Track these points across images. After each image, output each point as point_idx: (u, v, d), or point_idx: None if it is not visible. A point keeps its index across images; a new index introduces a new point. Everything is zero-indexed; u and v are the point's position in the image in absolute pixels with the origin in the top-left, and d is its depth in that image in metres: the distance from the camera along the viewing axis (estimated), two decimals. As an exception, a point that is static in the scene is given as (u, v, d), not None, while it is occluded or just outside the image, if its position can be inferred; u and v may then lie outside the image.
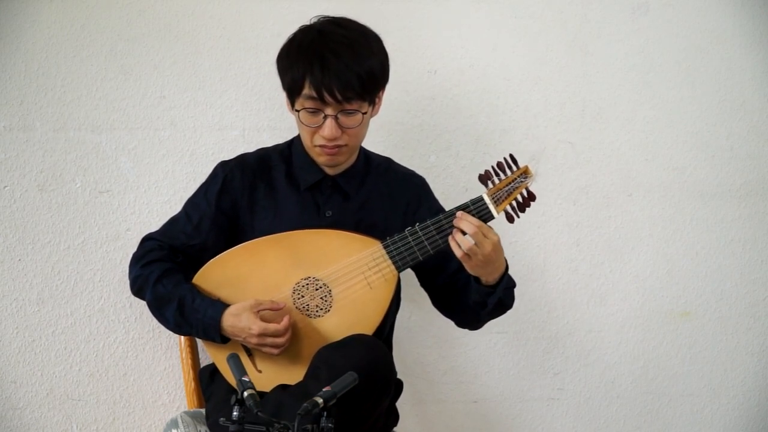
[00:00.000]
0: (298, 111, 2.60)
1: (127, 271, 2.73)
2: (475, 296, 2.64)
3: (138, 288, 2.69)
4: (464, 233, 2.52)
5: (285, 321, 2.55)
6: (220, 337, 2.60)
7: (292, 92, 2.59)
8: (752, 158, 3.28)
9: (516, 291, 2.71)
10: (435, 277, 2.77)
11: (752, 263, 3.31)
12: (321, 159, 2.66)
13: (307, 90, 2.55)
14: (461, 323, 2.79)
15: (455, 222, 2.54)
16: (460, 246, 2.52)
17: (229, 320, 2.57)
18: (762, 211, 3.30)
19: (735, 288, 3.31)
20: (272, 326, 2.54)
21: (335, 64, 2.52)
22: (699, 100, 3.26)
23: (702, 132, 3.27)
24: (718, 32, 3.25)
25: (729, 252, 3.30)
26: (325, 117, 2.57)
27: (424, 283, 2.82)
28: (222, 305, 2.60)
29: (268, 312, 2.57)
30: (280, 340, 2.56)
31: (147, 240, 2.73)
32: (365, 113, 2.60)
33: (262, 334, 2.54)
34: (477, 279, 2.61)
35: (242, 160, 2.75)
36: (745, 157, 3.28)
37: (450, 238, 2.54)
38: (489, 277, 2.59)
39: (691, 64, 3.25)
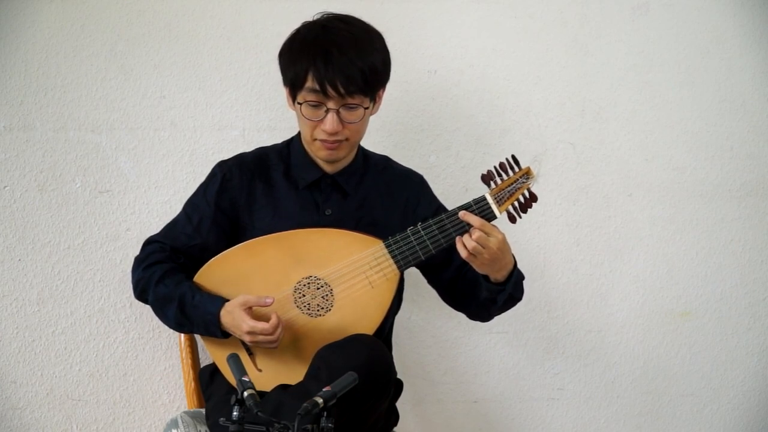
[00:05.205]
0: (300, 104, 2.60)
1: (129, 273, 2.73)
2: (485, 293, 2.64)
3: (141, 290, 2.69)
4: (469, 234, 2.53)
5: (273, 319, 2.53)
6: (220, 332, 2.59)
7: (295, 86, 2.59)
8: (752, 158, 3.28)
9: (516, 291, 2.71)
10: (441, 272, 2.77)
11: (752, 263, 3.31)
12: (320, 154, 2.66)
13: (310, 83, 2.56)
14: (472, 316, 2.79)
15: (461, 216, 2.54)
16: (465, 246, 2.53)
17: (226, 317, 2.57)
18: (762, 211, 3.30)
19: (735, 288, 3.31)
20: (260, 325, 2.52)
21: (339, 58, 2.53)
22: (699, 100, 3.26)
23: (702, 132, 3.27)
24: (718, 32, 3.25)
25: (729, 252, 3.30)
26: (327, 111, 2.58)
27: (431, 279, 2.82)
28: (221, 300, 2.59)
29: (261, 308, 2.56)
30: (270, 338, 2.54)
31: (148, 243, 2.73)
32: (367, 108, 2.61)
33: (251, 332, 2.53)
34: (486, 277, 2.61)
35: (240, 159, 2.75)
36: (745, 157, 3.28)
37: (457, 239, 2.55)
38: (497, 274, 2.59)
39: (691, 64, 3.25)
